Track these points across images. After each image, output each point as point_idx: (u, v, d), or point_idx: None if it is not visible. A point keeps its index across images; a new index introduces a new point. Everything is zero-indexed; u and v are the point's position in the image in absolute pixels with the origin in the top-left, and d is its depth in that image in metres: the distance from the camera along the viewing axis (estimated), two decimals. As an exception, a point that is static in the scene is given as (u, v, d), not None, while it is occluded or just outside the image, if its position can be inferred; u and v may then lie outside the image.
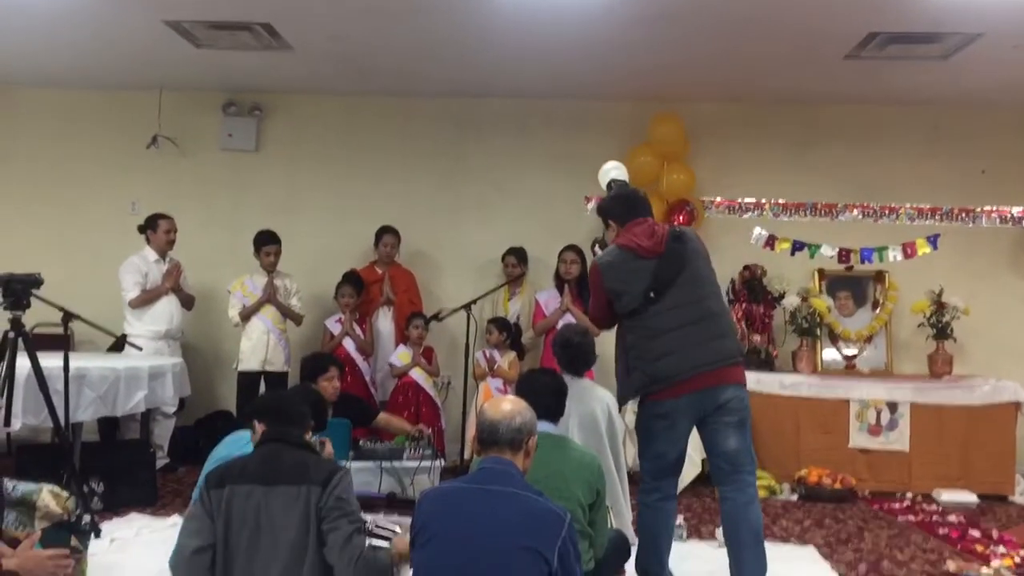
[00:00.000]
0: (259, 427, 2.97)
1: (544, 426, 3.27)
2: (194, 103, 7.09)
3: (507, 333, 6.14)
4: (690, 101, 6.79)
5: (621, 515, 4.12)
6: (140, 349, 5.62)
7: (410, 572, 2.59)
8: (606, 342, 5.56)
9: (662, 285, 3.59)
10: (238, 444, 3.43)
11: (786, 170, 6.92)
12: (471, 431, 5.23)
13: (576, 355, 4.22)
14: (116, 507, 4.92)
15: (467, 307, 5.73)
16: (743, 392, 3.62)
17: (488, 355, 6.10)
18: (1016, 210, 6.84)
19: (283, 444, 2.86)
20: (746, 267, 6.60)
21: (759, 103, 6.88)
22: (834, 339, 6.67)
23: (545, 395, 3.36)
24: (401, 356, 6.20)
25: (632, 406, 5.91)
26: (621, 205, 3.86)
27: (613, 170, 4.29)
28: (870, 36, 5.40)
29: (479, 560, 2.40)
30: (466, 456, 5.54)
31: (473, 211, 7.06)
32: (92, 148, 7.13)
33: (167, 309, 6.04)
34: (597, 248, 4.10)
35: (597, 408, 4.16)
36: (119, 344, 5.87)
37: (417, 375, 6.12)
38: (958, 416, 6.02)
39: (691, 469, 5.58)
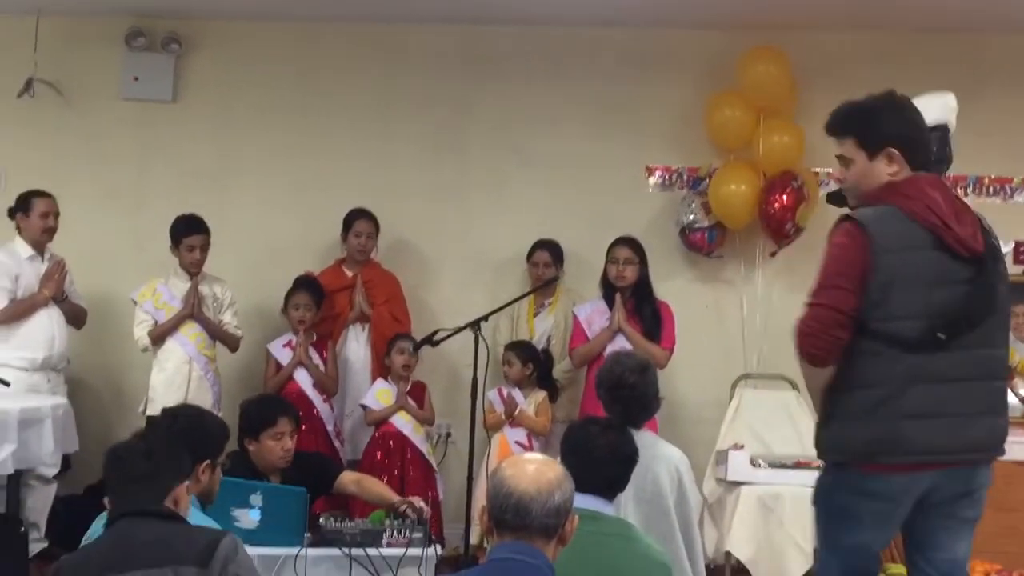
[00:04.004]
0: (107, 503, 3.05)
1: (593, 503, 3.26)
2: (85, 33, 7.12)
3: (533, 364, 6.15)
4: (800, 29, 6.76)
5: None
6: (7, 384, 5.64)
7: None
8: (675, 378, 5.50)
9: (972, 317, 3.22)
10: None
11: (938, 129, 6.88)
12: (480, 503, 5.22)
13: (632, 398, 4.20)
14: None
15: (475, 326, 5.72)
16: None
17: (506, 395, 6.11)
18: None
19: (134, 518, 2.92)
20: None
21: (901, 32, 6.85)
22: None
23: (608, 464, 3.35)
24: (380, 395, 6.21)
25: (725, 471, 5.80)
26: (924, 137, 3.47)
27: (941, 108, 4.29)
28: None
29: None
30: (473, 541, 5.54)
31: (484, 187, 7.07)
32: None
33: (47, 327, 6.06)
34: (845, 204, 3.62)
35: (663, 474, 4.14)
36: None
37: (403, 423, 6.14)
38: None
39: (800, 560, 5.51)
